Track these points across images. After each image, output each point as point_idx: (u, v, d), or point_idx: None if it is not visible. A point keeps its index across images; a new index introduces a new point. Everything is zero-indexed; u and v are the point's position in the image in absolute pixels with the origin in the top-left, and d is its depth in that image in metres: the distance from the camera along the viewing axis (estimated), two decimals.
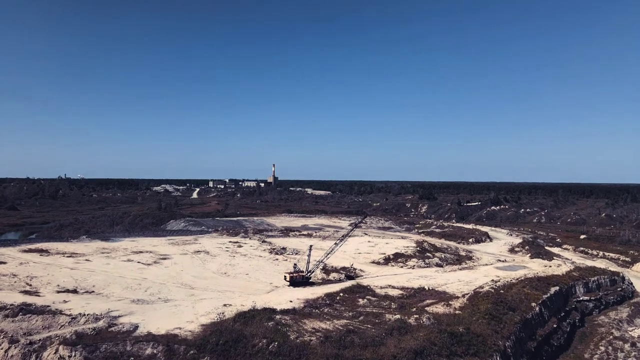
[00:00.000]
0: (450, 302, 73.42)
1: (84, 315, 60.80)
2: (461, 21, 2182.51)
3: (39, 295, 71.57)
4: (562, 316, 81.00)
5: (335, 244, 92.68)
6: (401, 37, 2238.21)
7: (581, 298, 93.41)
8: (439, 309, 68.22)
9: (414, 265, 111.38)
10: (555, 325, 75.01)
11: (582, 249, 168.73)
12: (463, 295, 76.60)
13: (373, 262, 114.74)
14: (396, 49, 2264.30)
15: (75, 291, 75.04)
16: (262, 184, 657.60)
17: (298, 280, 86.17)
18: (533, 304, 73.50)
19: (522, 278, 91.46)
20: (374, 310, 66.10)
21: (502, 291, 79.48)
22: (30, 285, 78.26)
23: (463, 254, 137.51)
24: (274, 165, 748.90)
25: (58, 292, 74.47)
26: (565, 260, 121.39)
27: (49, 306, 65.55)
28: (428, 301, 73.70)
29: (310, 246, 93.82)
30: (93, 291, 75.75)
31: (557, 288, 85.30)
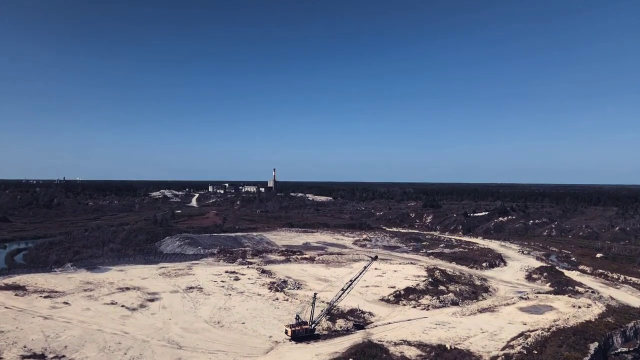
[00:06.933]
0: None
1: None
2: (463, 21, 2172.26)
3: None
4: None
5: (342, 290, 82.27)
6: (402, 38, 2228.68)
7: (619, 350, 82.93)
8: None
9: (428, 305, 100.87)
10: None
11: (601, 271, 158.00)
12: None
13: (382, 300, 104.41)
14: (396, 50, 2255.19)
15: (42, 356, 64.72)
16: (263, 189, 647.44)
17: (301, 334, 75.86)
18: None
19: (554, 329, 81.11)
20: None
21: (535, 352, 69.29)
22: None
23: (478, 283, 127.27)
24: (274, 170, 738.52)
25: (23, 357, 64.21)
26: (592, 297, 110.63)
27: None
28: None
29: (315, 294, 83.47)
30: (64, 355, 65.40)
31: (596, 345, 74.87)
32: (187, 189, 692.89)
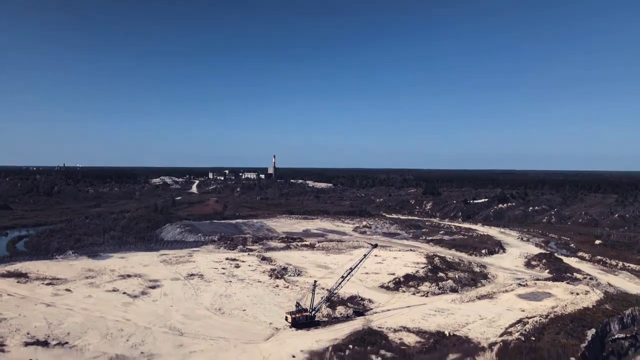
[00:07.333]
0: (477, 357, 63.99)
1: None
2: (464, 11, 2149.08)
3: (3, 351, 62.02)
4: None
5: (342, 277, 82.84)
6: (401, 27, 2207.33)
7: (616, 336, 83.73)
8: None
9: (428, 292, 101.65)
10: None
11: (599, 257, 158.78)
12: (490, 347, 67.00)
13: (382, 287, 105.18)
14: (396, 38, 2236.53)
15: (45, 343, 65.39)
16: (263, 176, 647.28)
17: (301, 321, 76.59)
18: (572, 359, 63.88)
19: (552, 316, 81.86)
20: None
21: (533, 338, 69.99)
22: None
23: (477, 270, 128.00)
24: (274, 156, 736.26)
25: (27, 344, 64.87)
26: (590, 283, 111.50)
27: None
28: (451, 356, 64.10)
29: (315, 281, 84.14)
30: (67, 342, 66.11)
31: (593, 332, 75.54)
32: (187, 176, 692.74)
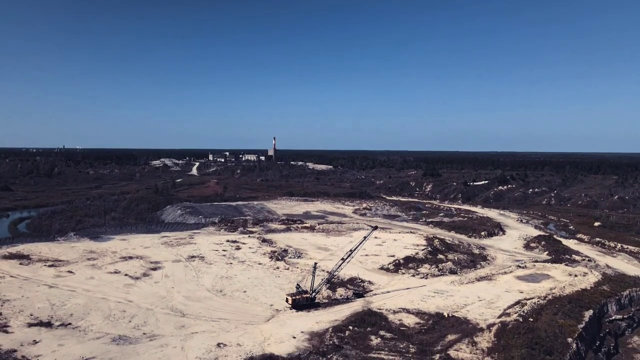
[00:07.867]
0: (475, 337, 64.74)
1: None
2: None
3: (7, 332, 62.71)
4: (597, 345, 72.46)
5: (343, 259, 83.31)
6: (405, 6, 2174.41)
7: (613, 317, 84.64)
8: (465, 353, 59.34)
9: (427, 274, 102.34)
10: None
11: (598, 239, 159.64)
12: (489, 328, 67.80)
13: (382, 269, 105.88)
14: (398, 19, 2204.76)
15: (49, 324, 66.04)
16: (263, 158, 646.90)
17: (302, 303, 77.29)
18: (569, 340, 64.58)
19: (550, 297, 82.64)
20: (390, 358, 57.21)
21: (531, 319, 70.74)
22: (1, 313, 69.34)
23: (477, 252, 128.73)
24: (274, 138, 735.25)
25: (30, 325, 65.55)
26: (588, 265, 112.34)
27: (15, 351, 56.81)
28: (450, 337, 64.87)
29: (315, 263, 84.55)
30: (70, 323, 66.80)
31: (591, 313, 76.35)
32: (187, 158, 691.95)
